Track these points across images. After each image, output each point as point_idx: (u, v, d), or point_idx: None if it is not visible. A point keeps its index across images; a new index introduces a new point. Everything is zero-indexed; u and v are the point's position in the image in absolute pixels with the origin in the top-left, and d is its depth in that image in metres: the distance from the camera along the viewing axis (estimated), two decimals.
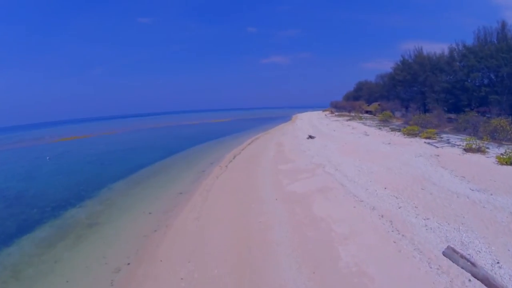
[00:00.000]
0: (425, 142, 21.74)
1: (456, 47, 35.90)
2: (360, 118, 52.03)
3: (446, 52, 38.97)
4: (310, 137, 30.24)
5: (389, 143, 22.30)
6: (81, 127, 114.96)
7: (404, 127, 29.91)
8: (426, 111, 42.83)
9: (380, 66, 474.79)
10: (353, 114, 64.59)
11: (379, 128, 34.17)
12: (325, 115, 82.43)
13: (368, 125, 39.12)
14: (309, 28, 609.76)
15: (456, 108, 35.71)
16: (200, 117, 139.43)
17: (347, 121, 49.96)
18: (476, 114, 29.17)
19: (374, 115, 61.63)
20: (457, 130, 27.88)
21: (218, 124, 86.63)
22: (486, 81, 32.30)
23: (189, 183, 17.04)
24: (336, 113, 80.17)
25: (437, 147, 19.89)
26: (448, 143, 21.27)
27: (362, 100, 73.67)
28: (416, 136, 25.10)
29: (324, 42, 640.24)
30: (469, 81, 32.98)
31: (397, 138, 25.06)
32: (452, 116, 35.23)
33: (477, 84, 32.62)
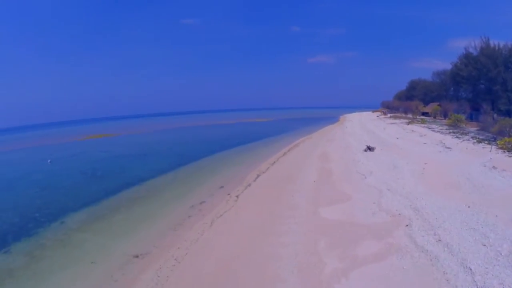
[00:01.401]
0: None
1: None
2: (423, 121, 42.10)
3: None
4: (369, 148, 21.83)
5: (495, 167, 13.95)
6: (122, 124, 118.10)
7: (495, 139, 20.98)
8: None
9: (428, 65, 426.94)
10: (410, 116, 54.53)
11: (457, 137, 24.79)
12: (377, 116, 71.67)
13: (438, 132, 29.74)
14: (352, 27, 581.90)
15: None
16: (243, 116, 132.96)
17: (407, 124, 40.29)
18: None
19: (435, 117, 51.55)
20: None
21: (257, 124, 79.98)
22: None
23: (164, 230, 10.70)
24: (390, 115, 69.45)
25: None
26: None
27: (416, 100, 62.99)
28: None
29: (369, 41, 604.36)
30: None
31: (500, 156, 16.41)
32: None
33: None
